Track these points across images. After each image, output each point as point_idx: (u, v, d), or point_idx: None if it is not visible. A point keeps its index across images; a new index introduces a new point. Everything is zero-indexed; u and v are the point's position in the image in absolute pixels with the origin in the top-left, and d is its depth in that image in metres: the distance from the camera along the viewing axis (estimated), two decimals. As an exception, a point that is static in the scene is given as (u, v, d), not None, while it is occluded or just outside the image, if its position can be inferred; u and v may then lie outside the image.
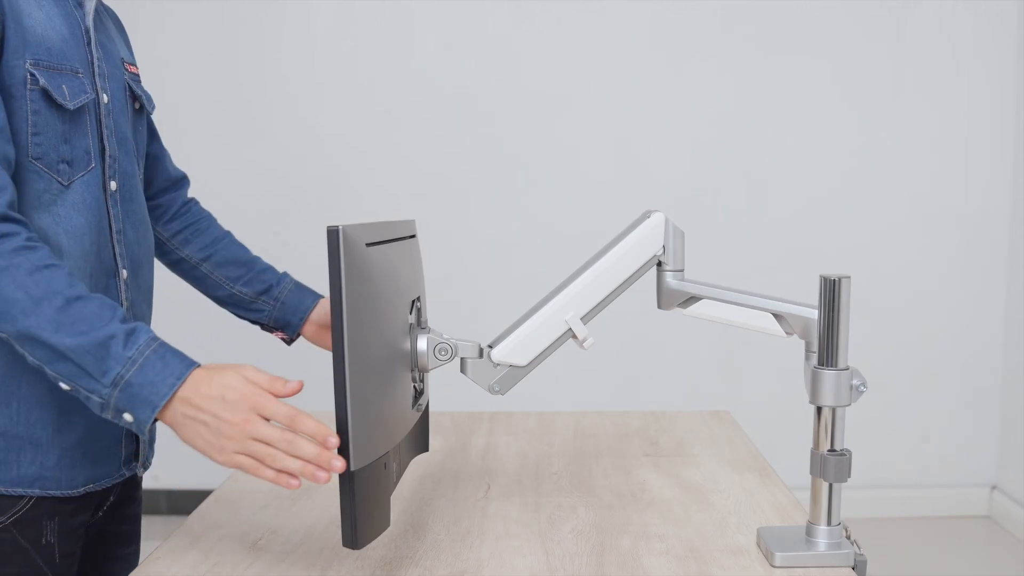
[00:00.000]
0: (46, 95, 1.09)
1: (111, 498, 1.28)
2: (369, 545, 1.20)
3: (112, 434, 1.21)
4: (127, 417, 1.01)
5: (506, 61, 3.32)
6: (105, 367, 0.99)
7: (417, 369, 1.20)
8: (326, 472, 0.98)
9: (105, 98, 1.19)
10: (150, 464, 1.32)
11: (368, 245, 1.05)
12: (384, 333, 1.08)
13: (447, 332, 1.21)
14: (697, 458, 1.59)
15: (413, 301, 1.23)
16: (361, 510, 1.00)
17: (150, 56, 3.30)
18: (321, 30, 3.31)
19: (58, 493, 1.15)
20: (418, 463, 1.56)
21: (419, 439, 1.33)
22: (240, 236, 1.56)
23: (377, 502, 1.05)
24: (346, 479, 0.99)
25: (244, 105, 3.32)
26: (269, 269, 1.48)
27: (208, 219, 1.51)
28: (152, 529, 1.43)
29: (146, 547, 1.37)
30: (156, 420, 1.02)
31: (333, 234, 0.98)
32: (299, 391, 1.02)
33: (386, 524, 1.09)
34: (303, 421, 0.99)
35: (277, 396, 1.01)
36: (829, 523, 1.16)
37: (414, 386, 1.22)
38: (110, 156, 1.19)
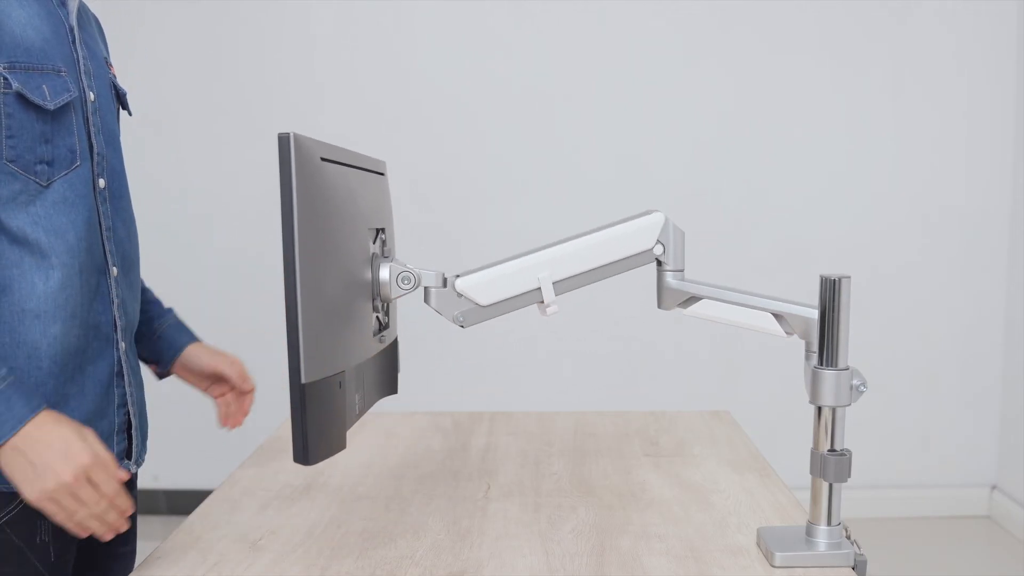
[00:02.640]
0: (21, 98, 1.08)
1: None
2: (369, 545, 1.21)
3: (103, 431, 1.21)
4: None
5: (506, 61, 3.32)
6: None
7: (379, 298, 1.19)
8: (113, 533, 1.08)
9: (92, 96, 1.19)
10: (143, 461, 1.32)
11: (324, 160, 1.03)
12: (340, 253, 1.07)
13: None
14: (697, 458, 1.59)
15: (377, 231, 1.22)
16: (312, 425, 0.99)
17: (151, 56, 3.32)
18: (321, 30, 3.31)
19: None
20: (418, 463, 1.56)
21: (386, 378, 1.31)
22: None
23: (330, 421, 1.04)
24: (297, 392, 0.98)
25: (244, 105, 3.32)
26: (156, 302, 1.47)
27: (155, 305, 1.49)
28: (152, 529, 1.44)
29: (146, 547, 1.37)
30: None
31: (284, 140, 0.96)
32: (126, 480, 1.11)
33: (341, 446, 1.07)
34: (123, 501, 1.08)
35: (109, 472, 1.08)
36: (829, 523, 1.16)
37: (376, 316, 1.21)
38: (98, 154, 1.19)
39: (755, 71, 3.31)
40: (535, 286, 1.19)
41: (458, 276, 1.19)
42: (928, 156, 3.36)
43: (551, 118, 3.33)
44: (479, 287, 1.18)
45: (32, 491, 1.04)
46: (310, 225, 0.99)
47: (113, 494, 1.07)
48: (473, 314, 1.19)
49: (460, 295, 1.18)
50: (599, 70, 3.32)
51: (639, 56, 3.31)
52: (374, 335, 1.20)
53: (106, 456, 1.07)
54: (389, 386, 1.33)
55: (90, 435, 1.07)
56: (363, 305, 1.15)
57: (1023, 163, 3.31)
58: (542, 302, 1.20)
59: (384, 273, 1.18)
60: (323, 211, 1.03)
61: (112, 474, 1.08)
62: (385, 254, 1.25)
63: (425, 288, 1.19)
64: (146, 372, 1.40)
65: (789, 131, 3.34)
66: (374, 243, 1.20)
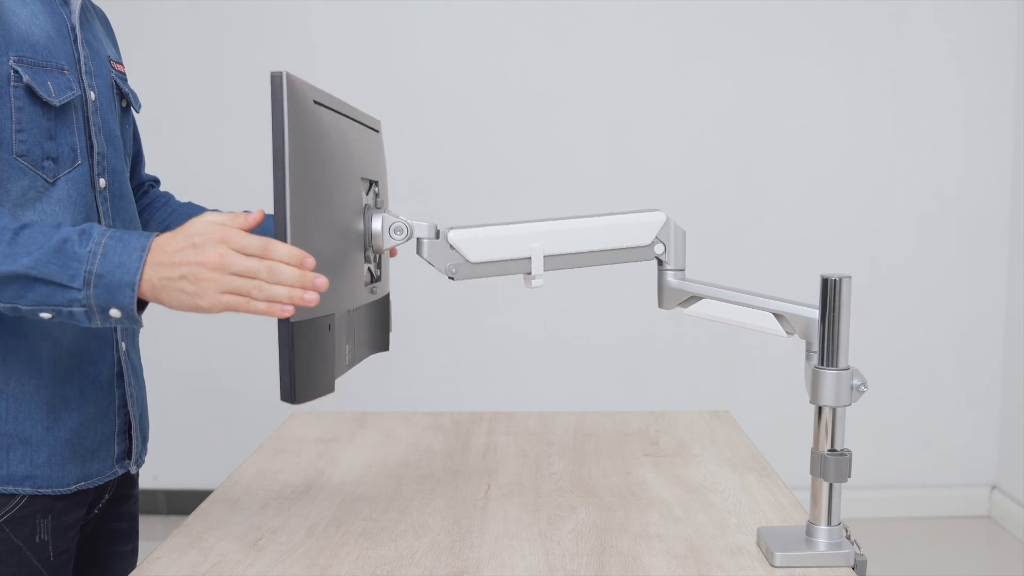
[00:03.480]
0: (30, 92, 1.08)
1: (106, 496, 1.28)
2: (369, 545, 1.21)
3: (103, 432, 1.21)
4: (114, 313, 1.00)
5: (505, 60, 3.32)
6: (71, 271, 0.98)
7: (371, 249, 1.18)
8: (313, 292, 0.97)
9: (92, 95, 1.19)
10: (143, 461, 1.32)
11: (317, 103, 1.03)
12: (331, 198, 1.06)
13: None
14: (697, 458, 1.59)
15: (371, 183, 1.21)
16: (300, 364, 0.99)
17: (152, 56, 3.32)
18: (321, 30, 3.31)
19: (49, 491, 1.15)
20: (418, 463, 1.56)
21: (378, 334, 1.30)
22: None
23: (319, 361, 1.03)
24: (285, 329, 0.98)
25: (244, 105, 3.32)
26: (167, 196, 1.45)
27: (166, 196, 1.48)
28: (152, 529, 1.44)
29: (146, 547, 1.37)
30: (144, 303, 1.01)
31: (277, 79, 0.96)
32: (262, 220, 1.02)
33: (329, 388, 1.06)
34: (276, 247, 0.98)
35: (243, 230, 1.00)
36: (829, 523, 1.16)
37: (368, 268, 1.20)
38: (98, 153, 1.19)
39: (754, 70, 3.31)
40: (526, 255, 1.18)
41: (451, 228, 1.18)
42: (928, 155, 3.36)
43: (551, 117, 3.33)
44: (471, 242, 1.17)
45: (206, 300, 0.98)
46: (301, 165, 0.98)
47: (261, 246, 0.97)
48: (464, 268, 1.18)
49: (452, 247, 1.17)
50: (598, 69, 3.32)
51: (638, 55, 3.31)
52: (365, 285, 1.19)
53: (229, 219, 1.01)
54: (381, 342, 1.32)
55: (209, 215, 1.01)
56: (355, 254, 1.14)
57: (1023, 162, 3.31)
58: (529, 273, 1.18)
59: (376, 224, 1.17)
60: (315, 154, 1.02)
61: (245, 225, 1.00)
62: (378, 206, 1.23)
63: (418, 239, 1.17)
64: (148, 373, 1.40)
65: (789, 130, 3.34)
66: (367, 194, 1.19)
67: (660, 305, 1.23)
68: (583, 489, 1.43)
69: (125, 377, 1.24)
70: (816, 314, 1.15)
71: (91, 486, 1.20)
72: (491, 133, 3.34)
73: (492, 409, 2.03)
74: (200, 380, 3.35)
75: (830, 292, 1.13)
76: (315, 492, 1.42)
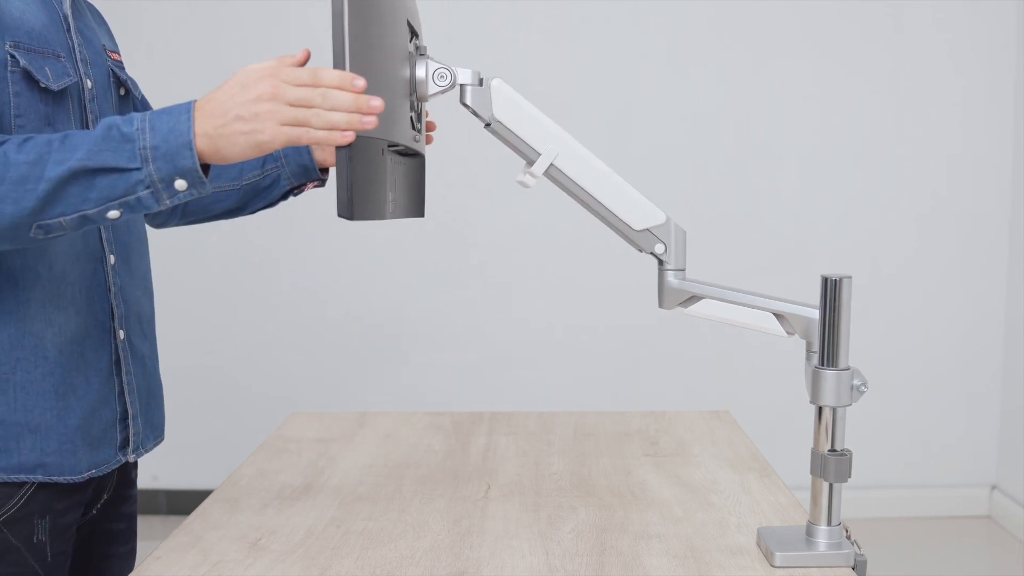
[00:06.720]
0: (28, 76, 1.08)
1: (105, 495, 1.28)
2: (369, 545, 1.21)
3: (107, 419, 1.21)
4: (180, 185, 0.99)
5: (502, 61, 3.31)
6: (126, 152, 0.98)
7: (415, 96, 1.17)
8: (371, 116, 0.98)
9: (89, 83, 1.19)
10: (142, 452, 1.29)
11: None
12: (383, 34, 1.06)
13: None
14: (697, 458, 1.59)
15: (413, 31, 1.20)
16: (358, 181, 0.99)
17: (150, 57, 3.32)
18: (320, 31, 3.30)
19: (62, 479, 1.15)
20: (418, 463, 1.56)
21: (415, 196, 1.32)
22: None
23: (374, 183, 1.04)
24: (343, 147, 0.99)
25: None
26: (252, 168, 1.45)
27: None
28: (152, 529, 1.43)
29: (146, 547, 1.37)
30: (205, 164, 1.00)
31: None
32: (309, 59, 1.03)
33: (381, 214, 1.07)
34: (325, 74, 0.98)
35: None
36: (829, 523, 1.16)
37: (411, 116, 1.20)
38: None
39: (754, 71, 3.31)
40: (538, 149, 1.18)
41: (495, 78, 1.18)
42: (926, 156, 3.36)
43: (551, 119, 3.33)
44: (505, 101, 1.18)
45: (266, 132, 0.98)
46: None
47: (310, 74, 0.98)
48: (498, 126, 1.18)
49: (491, 95, 1.17)
50: (597, 69, 3.32)
51: (637, 56, 3.31)
52: (410, 129, 1.19)
53: (275, 60, 1.01)
54: (417, 207, 1.34)
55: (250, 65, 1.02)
56: (401, 99, 1.13)
57: (1023, 162, 3.31)
58: (529, 165, 1.19)
59: (421, 70, 1.16)
60: None
61: (297, 60, 1.01)
62: (421, 53, 1.23)
63: (461, 86, 1.17)
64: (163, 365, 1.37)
65: (789, 131, 3.34)
66: (410, 42, 1.18)
67: (660, 305, 1.23)
68: (583, 489, 1.43)
69: (123, 365, 1.23)
70: (816, 314, 1.15)
71: (100, 474, 1.20)
72: (488, 134, 3.33)
73: (492, 409, 2.03)
74: (200, 380, 3.35)
75: (830, 292, 1.13)
76: (315, 492, 1.42)
